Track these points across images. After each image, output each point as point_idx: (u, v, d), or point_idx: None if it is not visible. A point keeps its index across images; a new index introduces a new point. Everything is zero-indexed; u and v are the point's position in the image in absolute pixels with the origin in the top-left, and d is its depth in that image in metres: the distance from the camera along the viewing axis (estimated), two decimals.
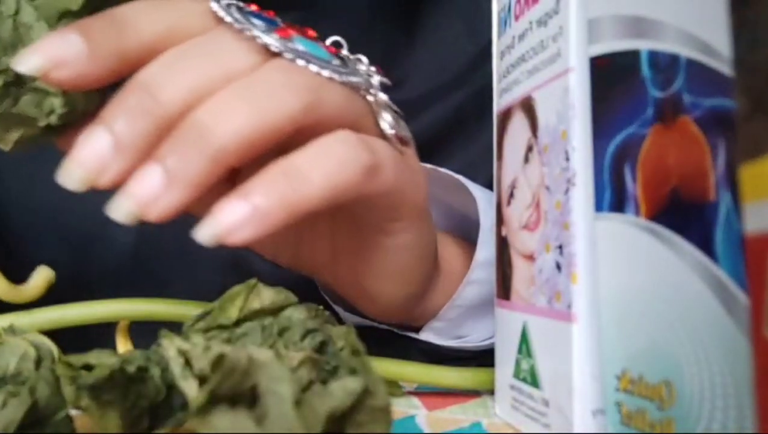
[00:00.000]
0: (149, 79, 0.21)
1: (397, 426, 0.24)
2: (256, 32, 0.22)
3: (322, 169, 0.21)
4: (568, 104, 0.20)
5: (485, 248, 0.32)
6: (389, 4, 0.39)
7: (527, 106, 0.23)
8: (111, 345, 0.25)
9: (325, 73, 0.23)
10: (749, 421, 0.14)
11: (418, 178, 0.26)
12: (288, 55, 0.22)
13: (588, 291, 0.20)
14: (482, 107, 0.37)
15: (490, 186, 0.32)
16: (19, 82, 0.22)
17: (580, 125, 0.20)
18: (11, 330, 0.21)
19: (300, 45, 0.23)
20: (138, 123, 0.20)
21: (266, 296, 0.20)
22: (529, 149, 0.23)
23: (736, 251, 0.14)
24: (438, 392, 0.28)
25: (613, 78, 0.19)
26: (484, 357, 0.33)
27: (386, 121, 0.25)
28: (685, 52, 0.16)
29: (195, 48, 0.22)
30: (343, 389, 0.14)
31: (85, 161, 0.20)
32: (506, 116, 0.25)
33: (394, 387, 0.27)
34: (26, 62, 0.20)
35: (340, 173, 0.21)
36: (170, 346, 0.15)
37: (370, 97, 0.24)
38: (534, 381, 0.22)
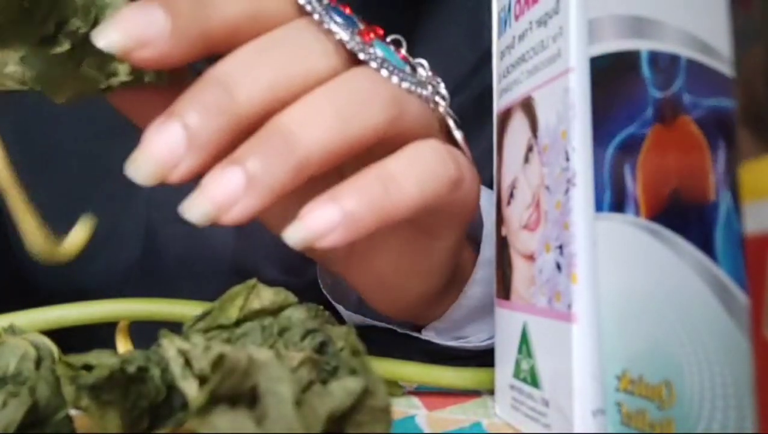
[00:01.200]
0: (227, 76, 0.20)
1: (397, 426, 0.24)
2: (340, 34, 0.21)
3: (415, 178, 0.21)
4: (568, 104, 0.20)
5: (488, 247, 0.32)
6: (388, 13, 0.39)
7: (527, 107, 0.23)
8: (111, 345, 0.25)
9: (405, 85, 0.22)
10: (749, 421, 0.14)
11: (478, 186, 0.26)
12: (373, 64, 0.22)
13: (588, 291, 0.20)
14: (481, 111, 0.37)
15: (488, 188, 0.32)
16: (87, 45, 0.20)
17: (580, 125, 0.20)
18: (11, 330, 0.21)
19: (379, 50, 0.22)
20: (214, 121, 0.19)
21: (266, 296, 0.20)
22: (529, 149, 0.23)
23: (736, 251, 0.14)
24: (438, 392, 0.28)
25: (613, 78, 0.19)
26: (484, 357, 0.33)
27: (455, 130, 0.24)
28: (685, 52, 0.16)
29: (275, 43, 0.21)
30: (343, 389, 0.14)
31: (157, 155, 0.19)
32: (506, 116, 0.25)
33: (394, 387, 0.27)
34: (107, 38, 0.19)
35: (432, 182, 0.21)
36: (170, 346, 0.15)
37: (440, 108, 0.24)
38: (534, 381, 0.22)
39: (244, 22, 0.21)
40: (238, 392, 0.14)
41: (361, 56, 0.22)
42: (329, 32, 0.21)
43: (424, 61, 0.25)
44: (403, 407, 0.26)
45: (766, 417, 0.13)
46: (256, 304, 0.20)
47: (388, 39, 0.25)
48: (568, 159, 0.20)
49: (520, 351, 0.23)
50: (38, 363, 0.18)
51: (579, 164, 0.20)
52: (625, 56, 0.18)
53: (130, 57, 0.19)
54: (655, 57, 0.17)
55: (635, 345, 0.18)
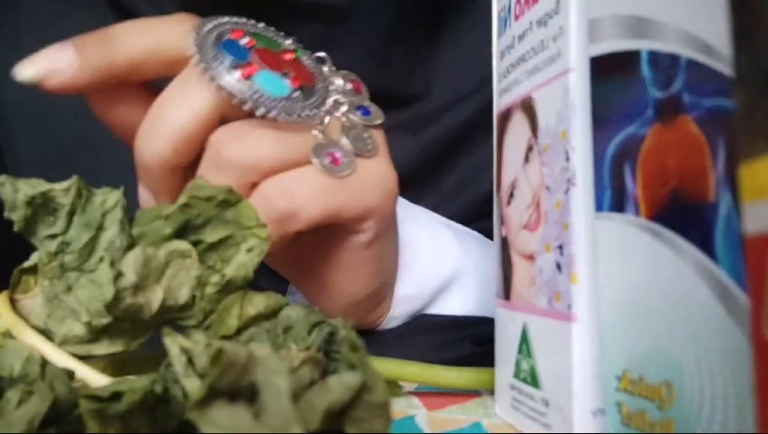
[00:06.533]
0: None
1: (397, 426, 0.24)
2: (218, 77, 0.25)
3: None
4: (568, 104, 0.20)
5: (404, 284, 0.32)
6: (414, 16, 0.39)
7: (527, 107, 0.23)
8: None
9: (273, 113, 0.25)
10: (749, 421, 0.14)
11: (362, 191, 0.27)
12: (247, 105, 0.25)
13: (588, 291, 0.20)
14: (489, 117, 0.38)
15: (488, 194, 0.33)
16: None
17: (580, 125, 0.20)
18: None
19: (259, 82, 0.25)
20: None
21: (259, 301, 0.21)
22: (529, 149, 0.23)
23: (736, 251, 0.14)
24: (438, 392, 0.28)
25: (613, 78, 0.19)
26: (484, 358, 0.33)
27: (323, 157, 0.26)
28: (685, 52, 0.16)
29: (165, 103, 0.25)
30: (341, 384, 0.14)
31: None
32: (506, 116, 0.25)
33: (394, 387, 0.27)
34: (24, 72, 0.24)
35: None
36: (173, 344, 0.15)
37: (324, 123, 0.27)
38: (534, 381, 0.22)
39: (145, 59, 0.26)
40: (237, 387, 0.14)
41: (234, 101, 0.25)
42: (211, 79, 0.25)
43: (337, 77, 0.28)
44: (403, 407, 0.26)
45: (766, 417, 0.13)
46: (251, 310, 0.21)
47: (309, 59, 0.28)
48: (568, 159, 0.20)
49: (520, 351, 0.23)
50: (44, 364, 0.18)
51: (579, 164, 0.20)
52: (625, 56, 0.18)
53: (44, 86, 0.24)
54: (655, 57, 0.17)
55: (635, 345, 0.18)
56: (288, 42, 0.28)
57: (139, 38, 0.25)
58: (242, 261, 0.21)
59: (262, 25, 0.28)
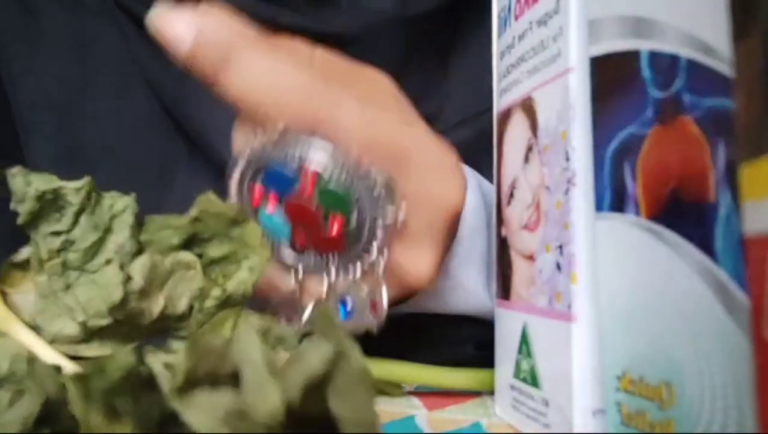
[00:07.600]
0: None
1: (397, 426, 0.24)
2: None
3: None
4: (568, 104, 0.20)
5: (426, 300, 0.32)
6: (425, 40, 0.40)
7: (527, 107, 0.23)
8: None
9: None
10: (749, 421, 0.14)
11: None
12: None
13: (588, 291, 0.20)
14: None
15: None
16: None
17: (580, 125, 0.20)
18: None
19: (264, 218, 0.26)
20: None
21: (253, 320, 0.21)
22: (529, 149, 0.23)
23: (736, 251, 0.14)
24: (438, 392, 0.28)
25: (613, 78, 0.19)
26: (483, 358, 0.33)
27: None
28: (685, 52, 0.16)
29: None
30: (316, 352, 0.14)
31: None
32: (506, 116, 0.25)
33: (394, 387, 0.27)
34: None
35: None
36: (155, 361, 0.15)
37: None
38: (534, 381, 0.22)
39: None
40: (218, 374, 0.14)
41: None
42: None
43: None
44: (403, 407, 0.26)
45: (766, 417, 0.13)
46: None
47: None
48: (568, 159, 0.20)
49: (520, 351, 0.23)
50: (32, 362, 0.18)
51: (579, 164, 0.20)
52: (625, 56, 0.18)
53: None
54: (655, 57, 0.17)
55: (635, 345, 0.18)
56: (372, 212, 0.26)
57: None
58: (242, 278, 0.21)
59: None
